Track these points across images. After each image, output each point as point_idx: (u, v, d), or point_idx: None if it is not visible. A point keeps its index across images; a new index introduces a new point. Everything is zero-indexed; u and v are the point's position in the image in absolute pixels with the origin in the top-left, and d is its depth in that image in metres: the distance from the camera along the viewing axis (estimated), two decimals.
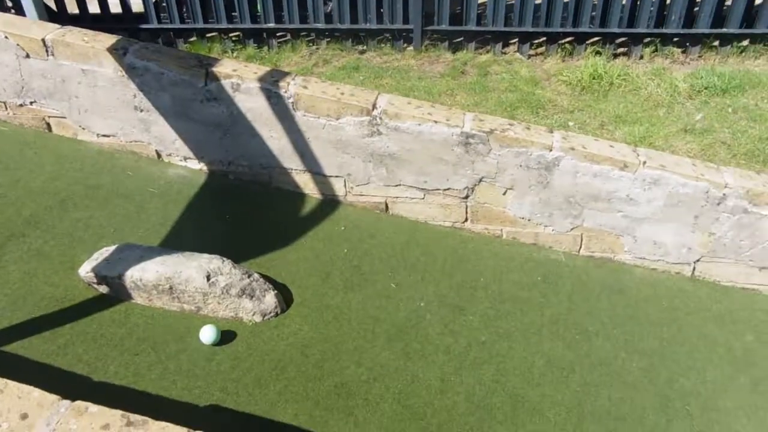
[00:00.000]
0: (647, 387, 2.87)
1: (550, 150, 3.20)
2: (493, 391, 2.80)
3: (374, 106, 3.33)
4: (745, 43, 5.27)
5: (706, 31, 5.09)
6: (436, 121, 3.28)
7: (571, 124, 4.65)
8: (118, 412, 1.91)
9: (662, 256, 3.38)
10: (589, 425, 2.71)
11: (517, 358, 2.94)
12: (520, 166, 3.27)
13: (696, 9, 5.06)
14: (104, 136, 3.80)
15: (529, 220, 3.45)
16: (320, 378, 2.77)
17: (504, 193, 3.39)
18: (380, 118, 3.32)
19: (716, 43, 5.24)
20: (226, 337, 2.87)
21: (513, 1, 5.19)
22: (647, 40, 5.30)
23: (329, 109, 3.36)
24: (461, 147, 3.29)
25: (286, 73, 3.50)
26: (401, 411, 2.69)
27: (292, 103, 3.38)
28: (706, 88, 4.82)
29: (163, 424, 1.90)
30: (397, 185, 3.51)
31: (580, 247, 3.48)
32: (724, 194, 3.10)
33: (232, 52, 5.50)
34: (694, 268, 3.39)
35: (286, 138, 3.50)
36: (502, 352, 2.96)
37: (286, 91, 3.37)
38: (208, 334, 2.80)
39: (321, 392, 2.72)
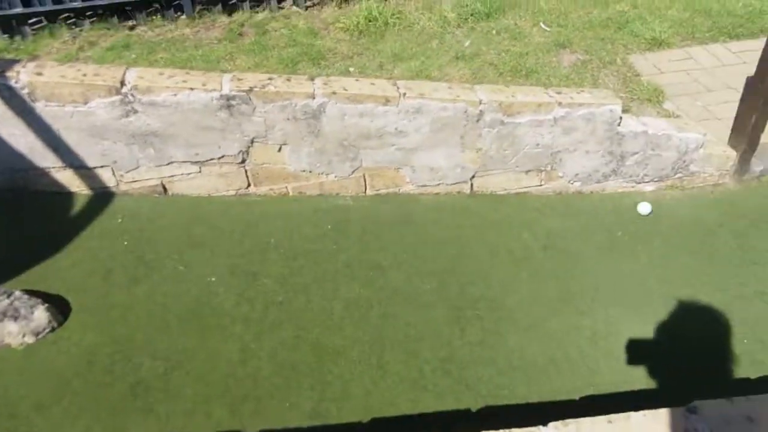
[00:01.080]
0: (440, 304, 3.02)
1: (313, 98, 3.18)
2: (295, 348, 2.80)
3: (123, 83, 3.10)
4: None
5: None
6: (192, 88, 3.12)
7: (351, 69, 4.67)
8: None
9: (441, 179, 3.54)
10: (391, 354, 2.81)
11: (316, 309, 2.96)
12: (288, 119, 3.22)
13: None
14: None
15: (310, 171, 3.44)
16: (112, 383, 2.60)
17: (279, 150, 3.34)
18: (132, 95, 3.10)
19: None
20: None
21: None
22: None
23: (73, 94, 3.07)
24: (224, 111, 3.17)
25: (15, 61, 3.14)
26: (204, 392, 2.61)
27: (28, 93, 3.05)
28: (471, 15, 5.05)
29: None
30: (169, 163, 3.33)
31: (366, 188, 3.55)
32: (480, 111, 3.28)
33: None
34: (471, 185, 3.60)
35: (32, 134, 3.17)
36: (301, 307, 2.96)
37: (17, 82, 3.02)
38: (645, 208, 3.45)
39: (115, 397, 2.56)
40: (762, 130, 3.74)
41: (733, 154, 3.78)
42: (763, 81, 3.55)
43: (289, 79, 3.23)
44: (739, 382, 2.81)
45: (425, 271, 3.17)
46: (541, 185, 3.64)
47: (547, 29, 4.90)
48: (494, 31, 4.91)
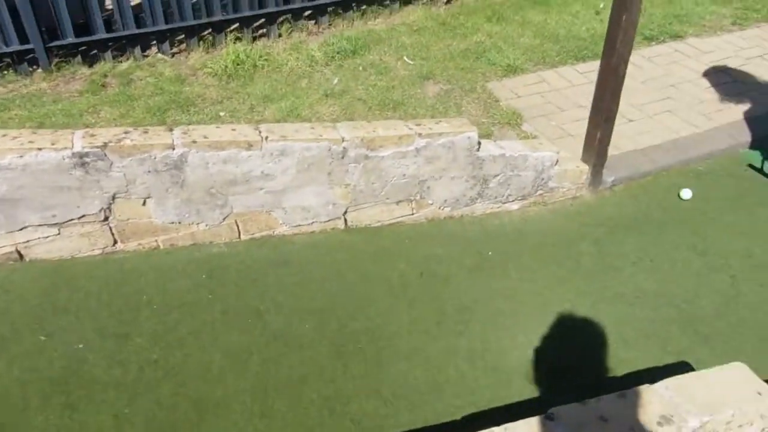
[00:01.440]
0: (322, 342, 3.03)
1: (173, 149, 3.13)
2: (174, 407, 2.70)
3: None
4: (365, 6, 5.78)
5: (326, 1, 5.46)
6: (40, 149, 2.98)
7: (222, 114, 4.65)
8: None
9: (314, 218, 3.58)
10: (275, 399, 2.77)
11: (194, 363, 2.87)
12: (149, 171, 3.15)
13: None
14: None
15: (179, 222, 3.37)
16: None
17: (144, 204, 3.25)
18: None
19: (340, 10, 5.66)
20: None
21: (140, 1, 4.99)
22: (281, 18, 5.51)
23: None
24: (79, 169, 3.05)
25: None
26: None
27: None
28: (338, 53, 5.19)
29: None
30: (22, 228, 3.15)
31: (240, 233, 3.52)
32: (344, 148, 3.35)
33: None
34: (345, 220, 3.66)
35: None
36: (178, 363, 2.87)
37: None
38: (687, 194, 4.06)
39: None
40: (608, 143, 4.09)
41: (586, 168, 4.09)
42: (602, 99, 3.89)
43: (146, 132, 3.16)
44: (609, 380, 3.00)
45: (305, 311, 3.17)
46: (413, 214, 3.77)
47: (411, 62, 5.13)
48: (361, 68, 5.07)
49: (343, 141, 3.34)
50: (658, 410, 2.20)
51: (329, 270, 3.41)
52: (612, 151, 4.24)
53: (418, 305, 3.28)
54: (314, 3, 5.45)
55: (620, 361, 3.08)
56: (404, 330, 3.14)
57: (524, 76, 5.15)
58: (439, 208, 3.78)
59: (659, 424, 2.15)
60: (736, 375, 2.41)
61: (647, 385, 2.30)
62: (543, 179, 3.94)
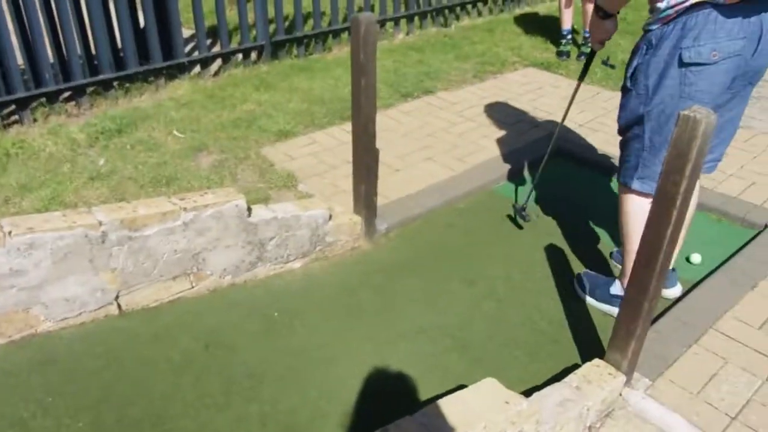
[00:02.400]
0: None
1: None
2: None
3: None
4: (128, 84, 5.69)
5: (83, 81, 5.29)
6: None
7: None
8: None
9: (82, 308, 3.38)
10: None
11: None
12: None
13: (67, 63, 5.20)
14: None
15: None
16: None
17: None
18: None
19: (101, 89, 5.51)
20: None
21: None
22: (34, 103, 5.22)
23: None
24: None
25: None
26: None
27: None
28: (102, 134, 5.03)
29: None
30: None
31: None
32: (103, 231, 3.24)
33: None
34: (119, 305, 3.50)
35: None
36: None
37: None
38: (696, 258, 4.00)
39: None
40: (374, 194, 4.43)
41: (359, 219, 4.38)
42: (359, 155, 4.24)
43: None
44: (398, 418, 3.15)
45: (78, 408, 2.95)
46: (193, 287, 3.72)
47: (182, 136, 5.14)
48: (129, 146, 4.96)
49: (101, 225, 3.23)
50: None
51: (103, 360, 3.22)
52: (382, 200, 4.60)
53: (204, 379, 3.22)
54: (71, 84, 5.25)
55: (408, 397, 3.26)
56: (190, 407, 3.06)
57: (296, 138, 5.42)
58: (220, 277, 3.79)
59: None
60: (487, 390, 2.69)
61: (407, 416, 2.50)
62: (319, 235, 4.14)
